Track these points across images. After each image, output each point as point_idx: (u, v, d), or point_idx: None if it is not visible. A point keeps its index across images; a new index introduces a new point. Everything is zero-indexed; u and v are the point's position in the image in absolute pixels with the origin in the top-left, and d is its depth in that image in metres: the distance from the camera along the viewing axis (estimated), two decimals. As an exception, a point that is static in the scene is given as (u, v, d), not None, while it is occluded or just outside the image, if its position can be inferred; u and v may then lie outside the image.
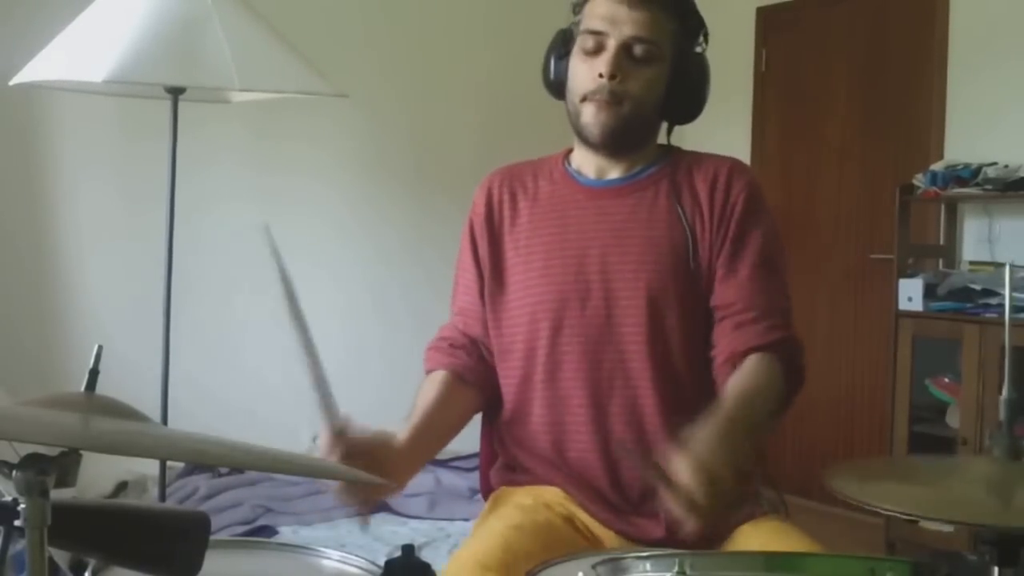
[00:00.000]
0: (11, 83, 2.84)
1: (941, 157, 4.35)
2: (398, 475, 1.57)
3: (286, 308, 1.35)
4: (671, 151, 1.80)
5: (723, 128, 4.42)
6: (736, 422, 1.47)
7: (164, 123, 2.91)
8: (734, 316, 1.67)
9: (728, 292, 1.69)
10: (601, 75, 1.66)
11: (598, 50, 1.67)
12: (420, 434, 1.66)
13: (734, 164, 1.77)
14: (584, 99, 1.69)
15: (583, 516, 1.69)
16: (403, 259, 4.88)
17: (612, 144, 1.72)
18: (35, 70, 2.76)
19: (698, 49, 1.74)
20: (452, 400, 1.75)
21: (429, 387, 1.75)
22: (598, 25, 1.67)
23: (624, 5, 1.65)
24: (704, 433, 1.41)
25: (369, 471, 1.40)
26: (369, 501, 1.57)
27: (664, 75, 1.70)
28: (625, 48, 1.66)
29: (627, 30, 1.65)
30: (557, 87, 1.76)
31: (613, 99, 1.67)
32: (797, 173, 5.05)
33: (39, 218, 4.16)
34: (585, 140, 1.73)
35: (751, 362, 1.63)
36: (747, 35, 5.15)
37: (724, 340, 1.67)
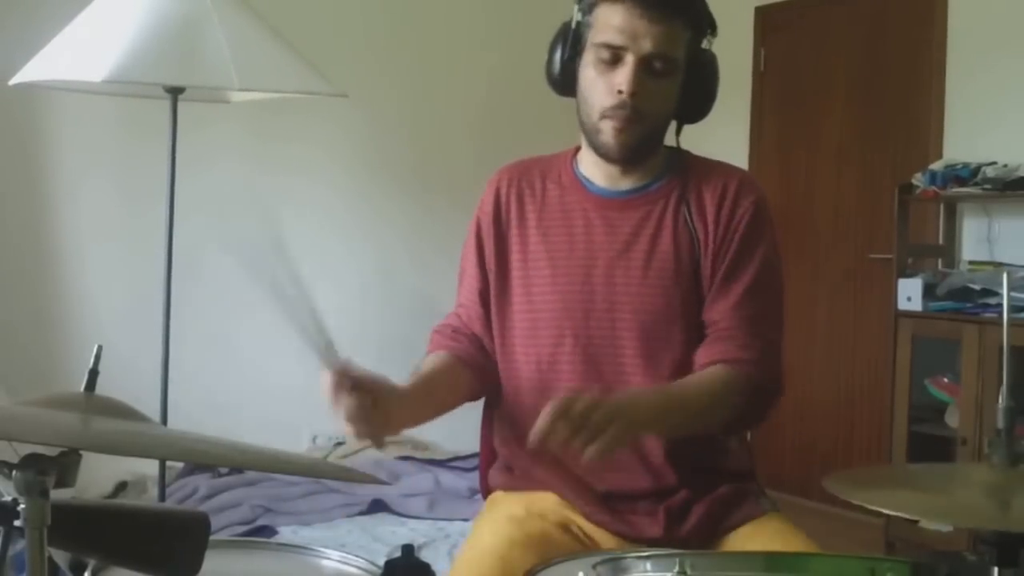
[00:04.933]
0: (10, 83, 2.84)
1: (940, 157, 4.35)
2: (395, 418, 1.59)
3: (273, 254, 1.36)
4: (680, 157, 1.77)
5: (721, 128, 4.41)
6: (646, 396, 1.56)
7: (163, 123, 2.91)
8: (715, 333, 1.68)
9: (716, 311, 1.68)
10: (621, 91, 1.62)
11: (615, 61, 1.63)
12: (418, 392, 1.67)
13: (743, 179, 1.75)
14: (603, 116, 1.66)
15: (579, 520, 1.69)
16: (402, 258, 4.89)
17: (629, 159, 1.70)
18: (34, 70, 2.76)
19: (704, 45, 1.72)
20: (451, 375, 1.76)
21: (431, 360, 1.77)
22: (616, 39, 1.62)
23: (644, 19, 1.61)
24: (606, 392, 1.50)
25: (371, 408, 1.50)
26: (377, 435, 1.57)
27: (679, 84, 1.68)
28: (644, 63, 1.62)
29: (647, 46, 1.61)
30: (563, 85, 1.73)
31: (635, 115, 1.64)
32: (796, 173, 5.05)
33: (39, 218, 4.17)
34: (603, 156, 1.70)
35: (711, 368, 1.64)
36: (746, 34, 5.15)
37: (699, 352, 1.67)
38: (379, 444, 1.59)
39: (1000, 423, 1.13)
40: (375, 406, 1.51)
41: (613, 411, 1.42)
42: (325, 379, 1.49)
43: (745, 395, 1.63)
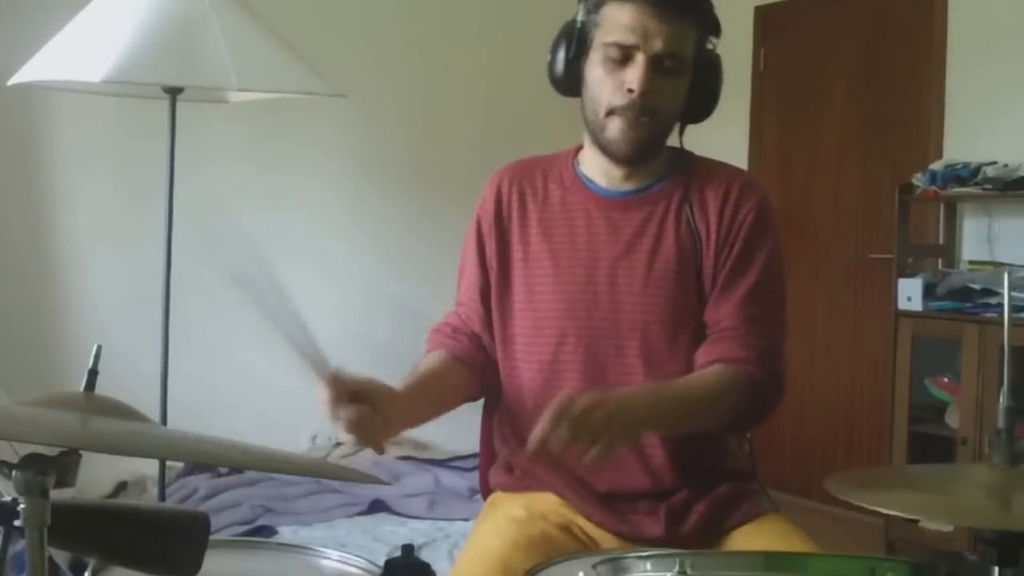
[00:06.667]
0: (9, 83, 2.84)
1: (940, 156, 4.35)
2: (394, 420, 1.57)
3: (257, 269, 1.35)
4: (683, 157, 1.77)
5: (721, 128, 4.39)
6: (645, 396, 1.55)
7: (162, 123, 2.91)
8: (718, 332, 1.67)
9: (719, 311, 1.68)
10: (631, 90, 1.62)
11: (625, 60, 1.62)
12: (416, 392, 1.66)
13: (746, 180, 1.74)
14: (610, 113, 1.65)
15: (580, 521, 1.69)
16: (401, 259, 4.88)
17: (636, 158, 1.69)
18: (33, 70, 2.76)
19: (709, 46, 1.71)
20: (449, 374, 1.76)
21: (429, 359, 1.77)
22: (627, 38, 1.61)
23: (654, 18, 1.60)
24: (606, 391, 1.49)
25: (368, 412, 1.48)
26: (379, 441, 1.56)
27: (687, 83, 1.68)
28: (654, 61, 1.62)
29: (658, 45, 1.60)
30: (567, 85, 1.72)
31: (644, 114, 1.63)
32: (796, 173, 5.05)
33: (38, 218, 4.16)
34: (609, 154, 1.69)
35: (712, 368, 1.64)
36: (745, 34, 5.15)
37: (700, 352, 1.67)
38: (380, 450, 1.57)
39: (1000, 423, 1.13)
40: (373, 411, 1.50)
41: (612, 411, 1.42)
42: (320, 391, 1.48)
43: (745, 395, 1.63)
